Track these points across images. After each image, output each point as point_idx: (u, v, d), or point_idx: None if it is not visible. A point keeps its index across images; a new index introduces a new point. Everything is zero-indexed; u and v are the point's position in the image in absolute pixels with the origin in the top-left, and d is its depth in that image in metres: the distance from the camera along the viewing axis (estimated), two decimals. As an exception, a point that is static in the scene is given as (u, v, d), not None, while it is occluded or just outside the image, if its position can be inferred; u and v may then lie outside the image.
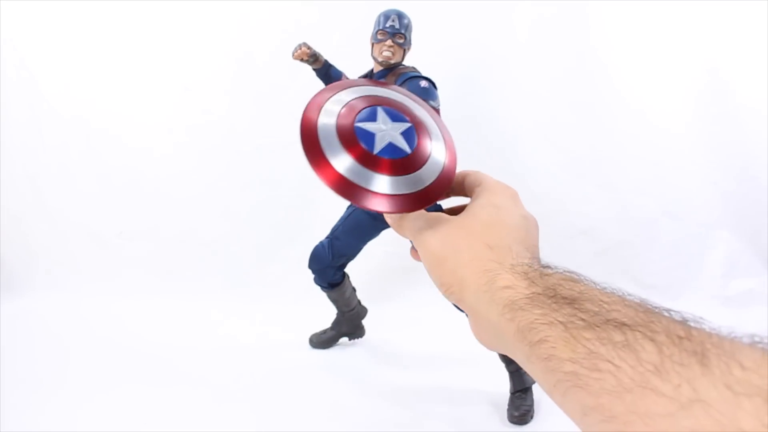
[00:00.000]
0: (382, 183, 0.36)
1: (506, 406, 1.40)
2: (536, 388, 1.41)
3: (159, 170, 2.53)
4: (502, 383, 1.43)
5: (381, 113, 0.40)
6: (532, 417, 1.36)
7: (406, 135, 0.39)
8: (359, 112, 0.39)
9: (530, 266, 0.31)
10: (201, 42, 2.45)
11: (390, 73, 1.50)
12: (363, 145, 0.37)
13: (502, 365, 1.42)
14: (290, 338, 1.83)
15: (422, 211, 0.38)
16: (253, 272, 2.42)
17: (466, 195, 0.42)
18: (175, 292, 2.31)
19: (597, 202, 2.42)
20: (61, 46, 2.49)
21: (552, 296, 0.28)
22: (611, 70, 2.37)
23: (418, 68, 1.54)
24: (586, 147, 2.42)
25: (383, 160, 0.37)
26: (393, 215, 0.38)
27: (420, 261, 0.43)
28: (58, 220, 2.58)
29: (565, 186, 2.41)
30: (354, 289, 1.80)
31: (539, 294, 0.28)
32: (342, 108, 0.39)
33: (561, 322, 0.26)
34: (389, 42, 1.43)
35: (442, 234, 0.36)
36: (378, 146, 0.37)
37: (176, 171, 2.53)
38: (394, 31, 1.43)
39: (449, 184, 0.40)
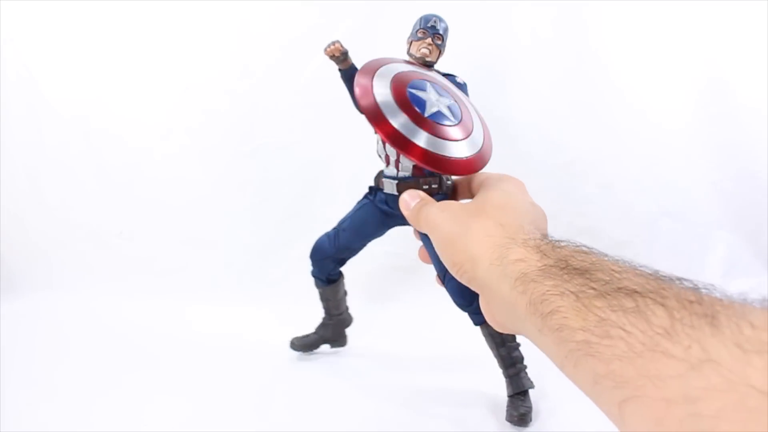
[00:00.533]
0: (422, 137, 0.41)
1: (504, 409, 1.39)
2: (533, 393, 1.41)
3: (159, 170, 2.54)
4: (502, 385, 1.43)
5: (430, 86, 0.45)
6: (531, 419, 1.36)
7: (452, 109, 0.44)
8: (411, 81, 0.45)
9: (542, 240, 0.32)
10: (201, 41, 2.45)
11: None
12: (416, 108, 0.42)
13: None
14: (290, 338, 1.83)
15: (433, 200, 0.40)
16: (254, 272, 2.42)
17: (473, 196, 0.43)
18: (176, 292, 2.31)
19: (597, 202, 2.42)
20: (61, 46, 2.49)
21: (564, 267, 0.28)
22: (611, 71, 2.37)
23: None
24: (586, 147, 2.42)
25: (429, 122, 0.42)
26: (415, 208, 0.40)
27: (427, 263, 0.44)
28: (58, 219, 2.57)
29: (565, 186, 2.41)
30: (346, 293, 1.78)
31: (551, 266, 0.29)
32: (393, 77, 0.45)
33: (572, 293, 0.26)
34: (429, 40, 1.46)
35: (452, 215, 0.37)
36: (428, 111, 0.43)
37: (176, 171, 2.53)
38: (434, 31, 1.47)
39: (474, 169, 0.43)
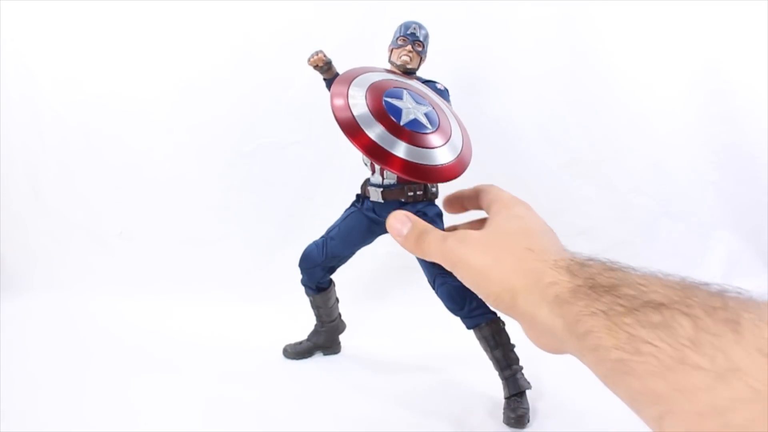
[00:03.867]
0: (401, 148, 0.41)
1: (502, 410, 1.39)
2: (530, 393, 1.40)
3: (159, 170, 2.53)
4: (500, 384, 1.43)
5: (407, 94, 0.45)
6: (528, 420, 1.36)
7: (429, 116, 0.44)
8: (387, 89, 0.44)
9: (571, 260, 0.31)
10: (201, 41, 2.45)
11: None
12: (392, 117, 0.42)
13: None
14: (291, 339, 1.83)
15: (444, 233, 0.38)
16: (254, 272, 2.42)
17: (480, 208, 0.42)
18: (176, 292, 2.31)
19: (597, 202, 2.42)
20: (60, 45, 2.49)
21: (591, 286, 0.28)
22: (612, 71, 2.37)
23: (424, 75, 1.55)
24: (586, 147, 2.41)
25: (406, 131, 0.42)
26: (411, 236, 0.38)
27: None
28: (58, 219, 2.57)
29: (565, 186, 2.41)
30: (337, 300, 1.77)
31: (581, 285, 0.28)
32: (369, 86, 0.44)
33: (602, 311, 0.26)
34: (409, 48, 1.47)
35: (477, 247, 0.36)
36: (404, 119, 0.42)
37: (176, 171, 2.53)
38: (414, 38, 1.48)
39: (455, 175, 0.42)
